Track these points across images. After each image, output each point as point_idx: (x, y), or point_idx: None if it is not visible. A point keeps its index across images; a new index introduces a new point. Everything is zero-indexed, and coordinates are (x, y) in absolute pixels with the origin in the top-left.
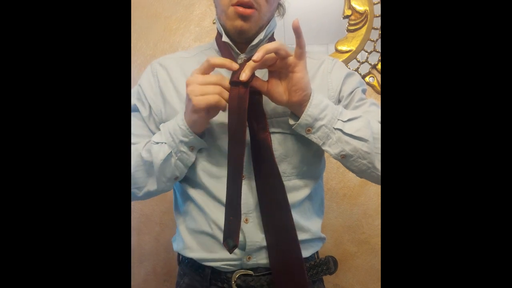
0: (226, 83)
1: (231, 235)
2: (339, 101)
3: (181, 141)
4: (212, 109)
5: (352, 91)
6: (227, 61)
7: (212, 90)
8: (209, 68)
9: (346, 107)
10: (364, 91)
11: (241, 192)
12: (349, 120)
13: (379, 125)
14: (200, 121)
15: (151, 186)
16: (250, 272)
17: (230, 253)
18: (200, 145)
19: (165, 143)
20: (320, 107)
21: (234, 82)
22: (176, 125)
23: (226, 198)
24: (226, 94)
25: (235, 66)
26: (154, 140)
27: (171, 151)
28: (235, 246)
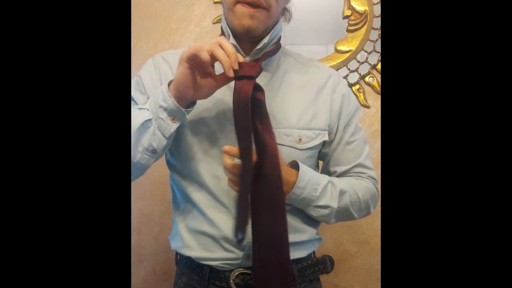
0: (225, 42)
1: (239, 228)
2: (336, 127)
3: (161, 106)
4: (194, 61)
5: (347, 123)
6: (227, 62)
7: (204, 45)
8: (216, 46)
9: (339, 141)
10: (358, 115)
11: (249, 189)
12: (319, 207)
13: (356, 195)
14: (183, 77)
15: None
16: (249, 271)
17: (240, 244)
18: (181, 115)
19: (147, 109)
20: (299, 193)
21: (239, 76)
22: (160, 91)
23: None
24: (219, 51)
25: (232, 74)
26: (138, 106)
27: (151, 118)
28: (242, 239)
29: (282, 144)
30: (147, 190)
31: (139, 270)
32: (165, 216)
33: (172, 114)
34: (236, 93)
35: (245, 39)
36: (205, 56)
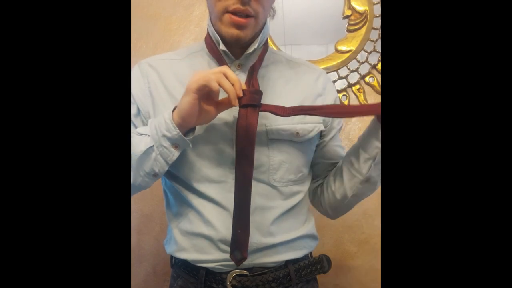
0: (229, 71)
1: (238, 248)
2: (330, 122)
3: (164, 136)
4: (203, 91)
5: (338, 128)
6: (232, 91)
7: (211, 76)
8: (221, 76)
9: (326, 133)
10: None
11: (249, 208)
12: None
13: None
14: (189, 108)
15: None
16: (245, 272)
17: (238, 265)
18: (184, 144)
19: (149, 135)
20: None
21: (244, 105)
22: (162, 119)
23: (234, 210)
24: (225, 81)
25: (237, 103)
26: (138, 131)
27: (153, 145)
28: (243, 259)
29: (281, 139)
30: (147, 191)
31: (139, 271)
32: (165, 216)
33: (175, 143)
34: (241, 120)
35: (235, 44)
36: (215, 86)
